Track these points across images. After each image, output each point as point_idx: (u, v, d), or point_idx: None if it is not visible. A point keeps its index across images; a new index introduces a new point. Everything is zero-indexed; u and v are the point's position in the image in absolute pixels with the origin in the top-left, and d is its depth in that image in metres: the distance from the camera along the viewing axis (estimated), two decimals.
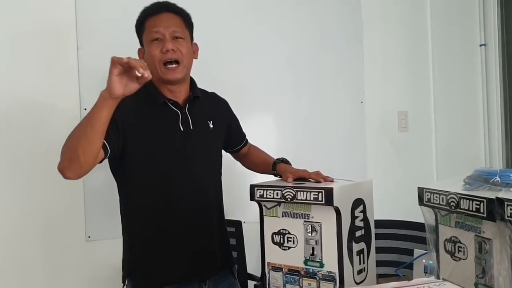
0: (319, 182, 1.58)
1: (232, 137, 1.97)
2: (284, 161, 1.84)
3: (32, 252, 2.26)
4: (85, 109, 2.27)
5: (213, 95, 1.92)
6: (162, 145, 1.67)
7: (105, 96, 1.40)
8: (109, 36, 2.33)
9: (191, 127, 1.72)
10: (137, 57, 1.75)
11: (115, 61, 1.37)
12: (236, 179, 2.29)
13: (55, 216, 2.28)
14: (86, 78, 2.32)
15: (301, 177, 1.65)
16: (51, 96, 2.27)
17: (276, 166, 1.81)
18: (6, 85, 2.21)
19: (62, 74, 2.30)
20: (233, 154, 2.06)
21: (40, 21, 2.27)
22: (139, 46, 1.76)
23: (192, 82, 1.80)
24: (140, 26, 1.72)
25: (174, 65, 1.66)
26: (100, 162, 1.57)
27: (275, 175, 1.81)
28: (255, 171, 2.02)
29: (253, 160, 2.03)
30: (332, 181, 1.59)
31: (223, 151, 1.93)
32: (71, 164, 1.47)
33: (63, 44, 2.30)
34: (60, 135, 2.22)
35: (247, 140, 2.06)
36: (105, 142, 1.53)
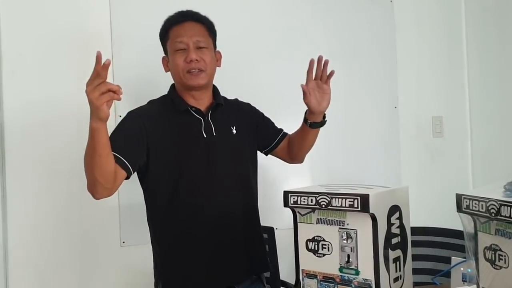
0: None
1: (264, 135, 1.94)
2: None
3: (68, 257, 2.30)
4: (120, 116, 2.30)
5: (235, 101, 1.93)
6: (186, 152, 1.69)
7: (98, 126, 1.41)
8: (142, 44, 2.37)
9: (214, 134, 1.74)
10: (162, 65, 1.79)
11: (98, 95, 1.36)
12: (268, 185, 2.29)
13: (91, 222, 2.32)
14: (120, 85, 2.33)
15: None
16: (87, 105, 2.29)
17: (305, 119, 1.85)
18: (43, 94, 2.26)
19: None
20: (276, 153, 1.98)
21: (75, 30, 2.31)
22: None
23: (215, 90, 1.83)
24: (164, 35, 1.75)
25: (197, 71, 1.69)
26: (127, 178, 1.62)
27: (309, 124, 1.85)
28: (300, 147, 1.95)
29: (291, 141, 1.96)
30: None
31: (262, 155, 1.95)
32: (96, 187, 1.54)
33: None
34: None
35: (284, 133, 1.99)
36: (127, 163, 1.57)
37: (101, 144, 1.44)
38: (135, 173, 1.68)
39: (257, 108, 1.98)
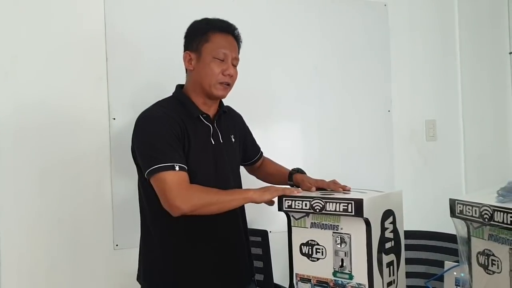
0: (337, 191, 1.60)
1: (248, 151, 1.98)
2: (299, 171, 1.87)
3: (61, 260, 2.29)
4: (114, 118, 2.30)
5: (230, 109, 1.93)
6: (197, 159, 1.67)
7: (255, 199, 1.59)
8: (137, 48, 2.36)
9: (221, 141, 1.75)
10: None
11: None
12: None
13: (84, 225, 2.31)
14: (114, 88, 2.34)
15: (320, 187, 1.68)
16: (80, 107, 2.31)
17: (293, 176, 1.85)
18: (37, 96, 2.24)
19: (92, 85, 2.33)
20: (248, 167, 2.07)
21: (69, 32, 2.30)
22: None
23: None
24: (203, 35, 1.70)
25: (226, 85, 1.71)
26: None
27: (291, 186, 1.83)
28: (269, 182, 1.99)
29: (268, 171, 2.03)
30: (349, 190, 1.61)
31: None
32: (197, 212, 1.57)
33: (92, 56, 2.33)
34: (89, 144, 2.30)
35: (262, 153, 2.07)
36: (184, 166, 1.58)
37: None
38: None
39: (244, 118, 2.00)
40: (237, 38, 1.77)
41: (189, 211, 1.54)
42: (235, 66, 1.74)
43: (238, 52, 1.78)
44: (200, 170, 1.67)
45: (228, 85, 1.72)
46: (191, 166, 1.64)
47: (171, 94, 1.78)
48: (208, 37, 1.70)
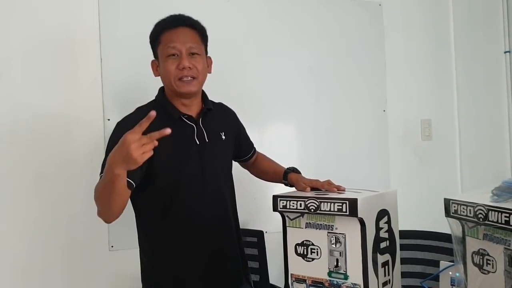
0: (332, 192, 1.59)
1: (242, 147, 1.97)
2: (294, 170, 1.86)
3: (56, 261, 2.28)
4: (109, 119, 2.29)
5: (221, 106, 1.91)
6: (181, 161, 1.67)
7: (122, 173, 1.34)
8: (131, 48, 2.35)
9: (207, 140, 1.73)
10: (150, 69, 1.76)
11: (142, 153, 1.28)
12: (257, 189, 2.29)
13: (79, 226, 2.30)
14: (109, 89, 2.34)
15: (314, 187, 1.67)
16: (75, 108, 2.30)
17: (287, 175, 1.84)
18: (32, 97, 2.23)
19: (86, 86, 2.32)
20: (241, 163, 2.07)
21: (63, 34, 2.29)
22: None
23: (204, 94, 1.80)
24: (155, 39, 1.70)
25: (189, 78, 1.66)
26: None
27: (286, 185, 1.83)
28: (263, 179, 2.03)
29: (262, 168, 2.03)
30: (344, 190, 1.60)
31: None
32: (110, 217, 1.53)
33: (86, 56, 2.32)
34: (84, 145, 2.29)
35: (255, 149, 2.06)
36: (131, 181, 1.52)
37: (122, 185, 1.40)
38: None
39: (239, 117, 1.99)
40: (194, 27, 1.71)
41: (103, 218, 1.53)
42: (197, 54, 1.67)
43: (202, 41, 1.72)
44: (183, 172, 1.66)
45: (193, 78, 1.66)
46: (173, 169, 1.64)
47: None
48: (159, 39, 1.69)
